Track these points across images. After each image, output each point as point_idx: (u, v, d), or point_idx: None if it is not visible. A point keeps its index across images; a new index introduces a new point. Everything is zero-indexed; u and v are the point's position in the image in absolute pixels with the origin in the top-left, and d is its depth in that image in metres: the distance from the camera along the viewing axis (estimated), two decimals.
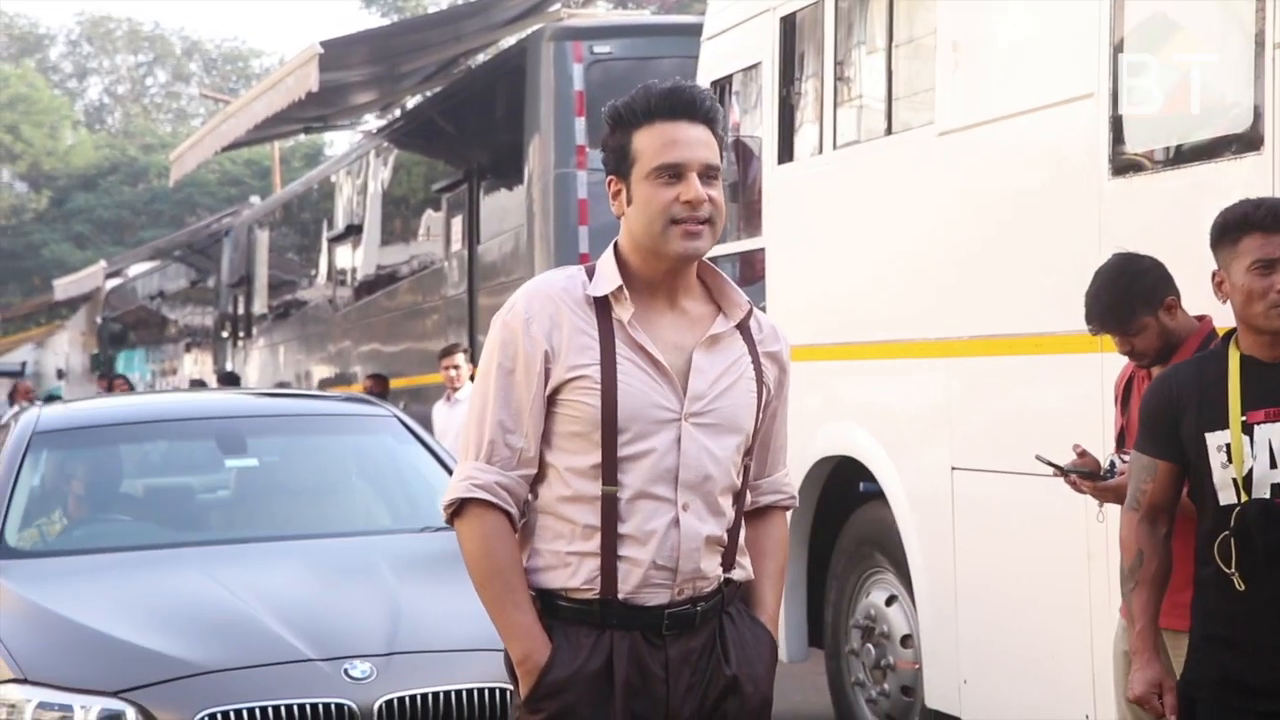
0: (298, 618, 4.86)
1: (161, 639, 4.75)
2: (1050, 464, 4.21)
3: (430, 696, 4.59)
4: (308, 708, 4.49)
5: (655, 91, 2.86)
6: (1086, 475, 4.11)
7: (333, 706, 4.50)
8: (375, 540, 5.79)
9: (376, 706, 4.53)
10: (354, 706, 4.51)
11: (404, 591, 5.11)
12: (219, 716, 4.45)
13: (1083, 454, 4.18)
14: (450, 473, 5.74)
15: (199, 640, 4.74)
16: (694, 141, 2.84)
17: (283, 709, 4.48)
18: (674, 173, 2.83)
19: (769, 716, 2.98)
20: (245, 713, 4.46)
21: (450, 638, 4.80)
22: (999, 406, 5.49)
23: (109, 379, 20.24)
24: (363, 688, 4.55)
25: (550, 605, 2.87)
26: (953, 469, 5.65)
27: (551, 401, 2.86)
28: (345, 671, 4.59)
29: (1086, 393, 4.93)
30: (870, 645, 6.29)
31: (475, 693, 4.61)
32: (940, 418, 5.77)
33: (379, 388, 12.56)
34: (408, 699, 4.57)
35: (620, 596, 2.83)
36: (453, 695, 4.60)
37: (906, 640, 6.11)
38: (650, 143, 2.84)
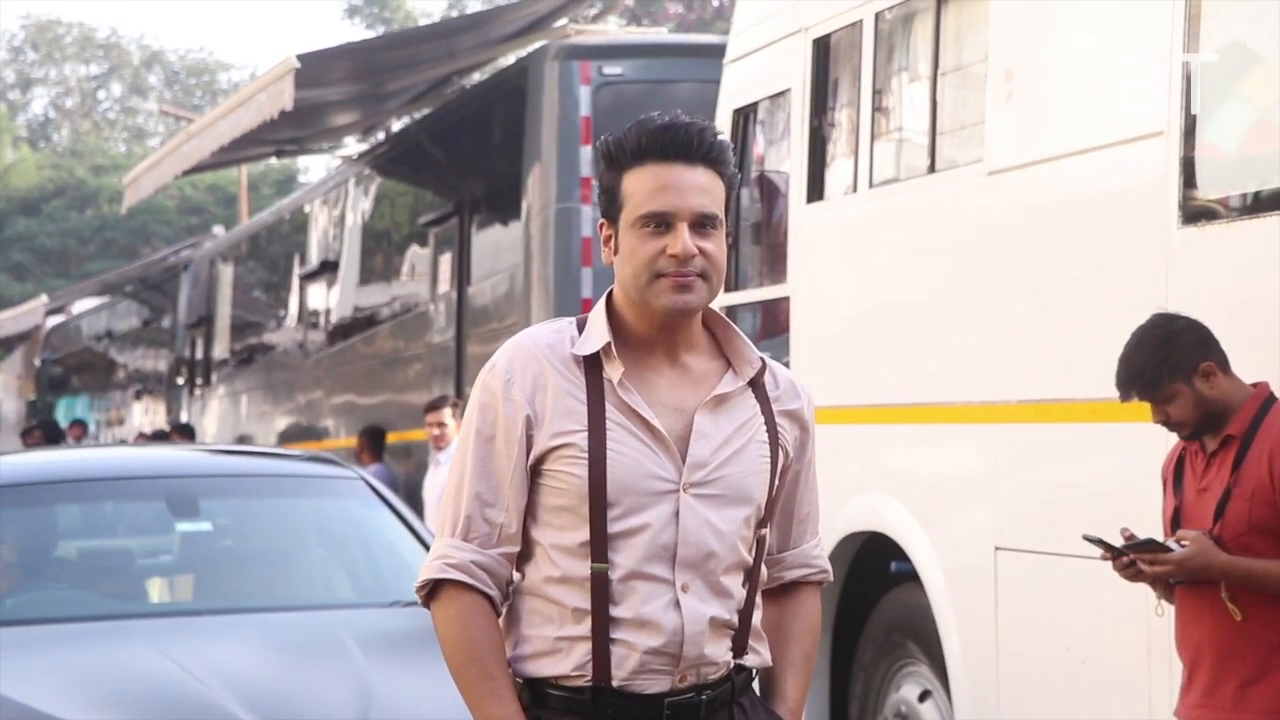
0: (261, 700, 4.94)
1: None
2: (1101, 543, 4.21)
3: None
4: None
5: (648, 128, 2.86)
6: (1146, 546, 4.11)
7: None
8: (340, 614, 5.90)
9: None
10: None
11: (373, 671, 5.21)
12: None
13: (1130, 538, 4.20)
14: (422, 542, 6.20)
15: None
16: (687, 187, 2.84)
17: None
18: (661, 222, 2.83)
19: None
20: None
21: (422, 716, 4.89)
22: (1050, 480, 5.50)
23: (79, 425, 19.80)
24: None
25: (539, 695, 2.87)
26: (996, 549, 5.66)
27: (536, 472, 2.87)
28: None
29: (1150, 466, 4.93)
30: None
31: None
32: (983, 491, 5.78)
33: (372, 447, 12.47)
34: None
35: (615, 684, 2.83)
36: None
37: None
38: (639, 187, 2.85)
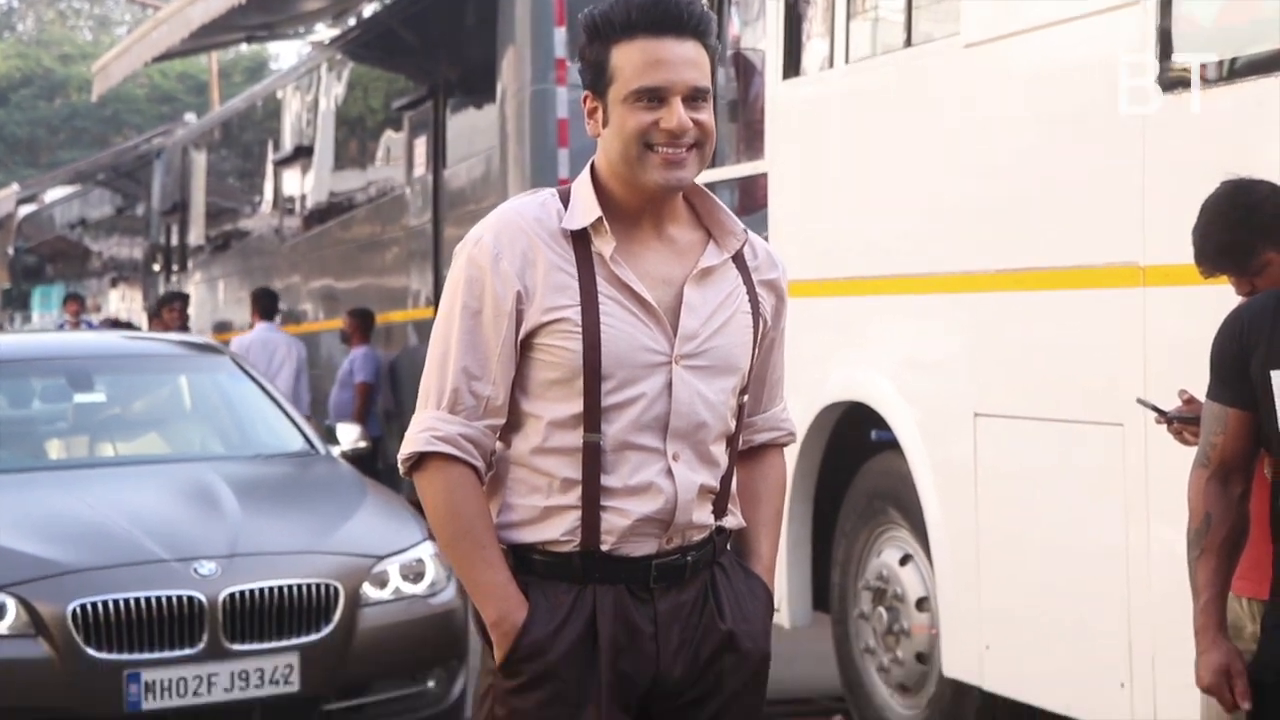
0: (151, 526, 6.38)
1: (35, 544, 6.24)
2: (1154, 409, 4.20)
3: (266, 590, 6.10)
4: (163, 599, 5.98)
5: (636, 1, 2.85)
6: (1192, 421, 4.05)
7: (184, 598, 6.00)
8: (213, 464, 7.33)
9: (221, 599, 6.01)
10: (202, 598, 6.00)
11: (241, 505, 6.66)
12: (88, 606, 5.92)
13: (1189, 400, 4.13)
14: (280, 408, 7.88)
15: (68, 545, 6.22)
16: (679, 61, 2.84)
17: (142, 600, 5.96)
18: (655, 96, 2.83)
19: (767, 674, 3.03)
20: (110, 604, 5.93)
21: (282, 543, 6.43)
22: (1028, 347, 5.55)
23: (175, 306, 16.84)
24: (209, 583, 6.05)
25: (524, 560, 2.89)
26: (976, 415, 5.72)
27: (526, 346, 2.87)
28: (194, 570, 6.09)
29: (1126, 331, 5.00)
30: (882, 609, 6.37)
31: (304, 587, 6.16)
32: (962, 359, 5.83)
33: (361, 329, 12.53)
34: (248, 592, 6.07)
35: (603, 549, 2.87)
36: (286, 589, 6.12)
37: (922, 603, 6.19)
38: (630, 60, 2.83)
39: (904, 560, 6.29)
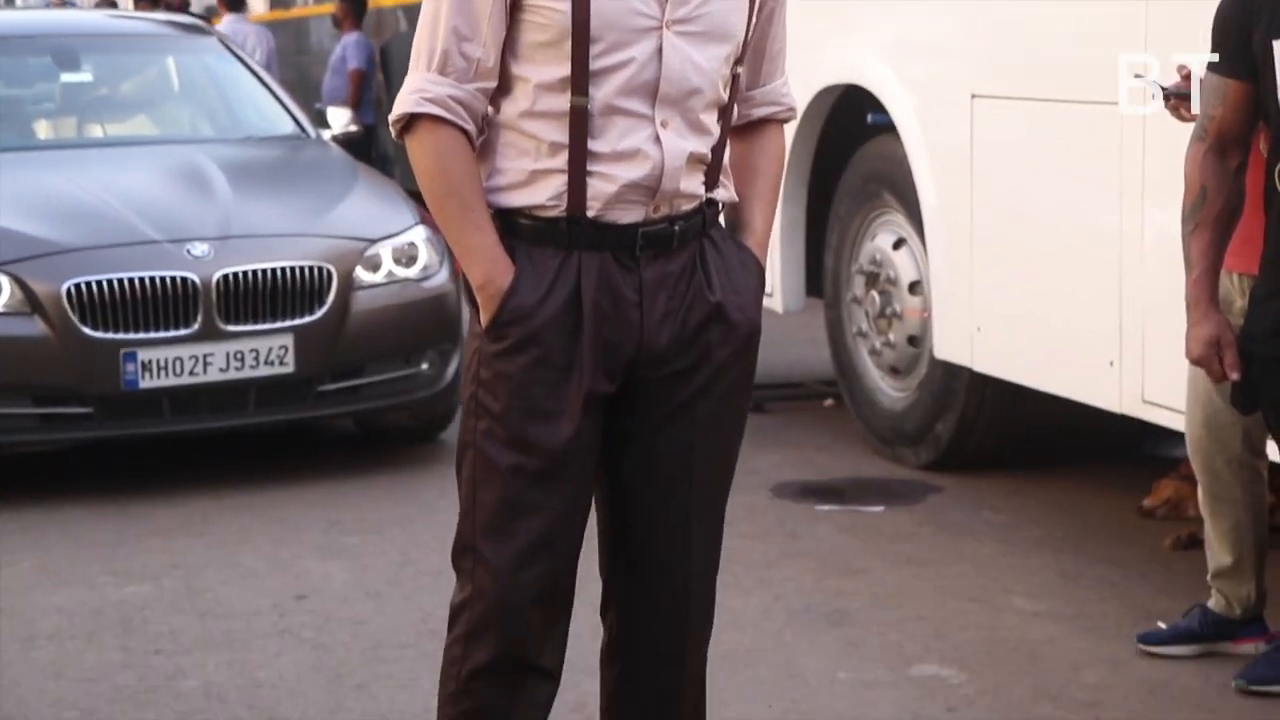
0: (144, 207, 6.47)
1: (28, 223, 6.31)
2: (1152, 84, 4.17)
3: (260, 272, 6.22)
4: (157, 280, 6.11)
5: None
6: (1187, 97, 4.05)
7: (178, 279, 6.13)
8: (203, 146, 7.38)
9: (215, 280, 6.14)
10: (195, 279, 6.13)
11: (232, 187, 6.74)
12: (83, 286, 6.05)
13: (1187, 76, 4.11)
14: (270, 90, 7.85)
15: (61, 225, 6.31)
16: None
17: (136, 281, 6.09)
18: None
19: (757, 346, 3.03)
20: (105, 283, 6.06)
21: (274, 225, 6.50)
22: (1026, 26, 5.48)
23: None
24: (202, 264, 6.18)
25: (511, 225, 2.88)
26: (973, 96, 5.67)
27: (516, 7, 2.82)
28: (187, 251, 6.21)
29: (1127, 10, 4.93)
30: (875, 292, 6.40)
31: (297, 269, 6.28)
32: (960, 40, 5.77)
33: (353, 14, 12.36)
34: (241, 274, 6.20)
35: (589, 214, 2.86)
36: (278, 271, 6.25)
37: (915, 287, 6.22)
38: None
39: (898, 244, 6.31)
